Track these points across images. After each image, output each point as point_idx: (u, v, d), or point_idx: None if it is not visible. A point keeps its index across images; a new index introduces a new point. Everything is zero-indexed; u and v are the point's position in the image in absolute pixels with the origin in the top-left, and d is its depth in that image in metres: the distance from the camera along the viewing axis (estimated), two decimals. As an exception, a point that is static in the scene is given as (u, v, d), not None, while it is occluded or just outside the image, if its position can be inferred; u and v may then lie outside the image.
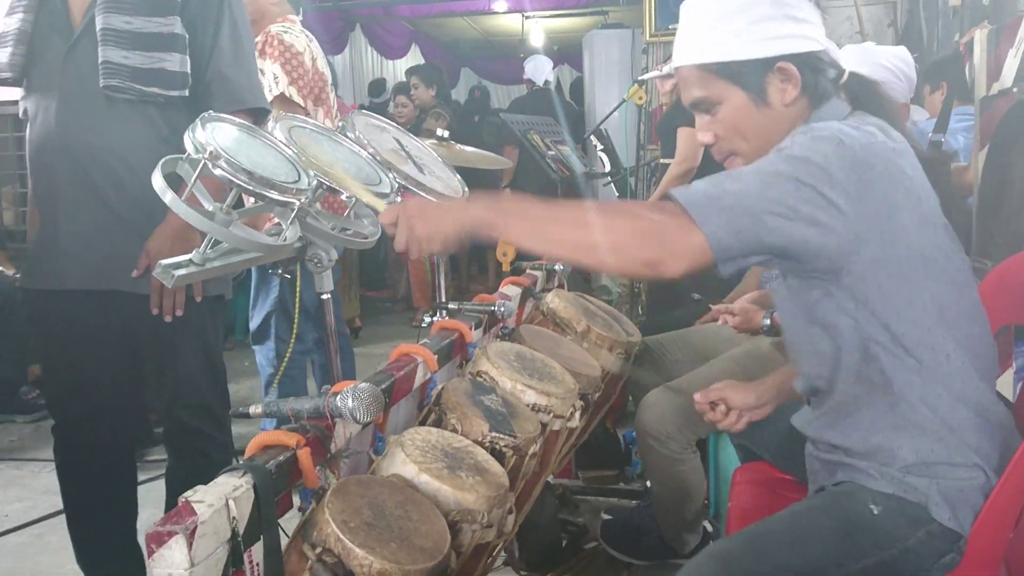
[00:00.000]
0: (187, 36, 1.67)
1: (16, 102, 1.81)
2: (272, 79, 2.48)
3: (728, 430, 1.50)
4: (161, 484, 2.87)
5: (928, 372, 1.15)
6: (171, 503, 1.86)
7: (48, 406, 2.11)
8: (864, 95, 1.23)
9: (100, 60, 1.61)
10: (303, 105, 2.52)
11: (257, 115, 1.79)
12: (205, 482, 0.93)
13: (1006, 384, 1.88)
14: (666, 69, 2.86)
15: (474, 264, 6.81)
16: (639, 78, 3.40)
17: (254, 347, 2.78)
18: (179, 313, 1.69)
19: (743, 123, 1.20)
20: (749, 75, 1.17)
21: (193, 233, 1.63)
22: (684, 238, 1.03)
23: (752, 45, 1.16)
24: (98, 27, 1.61)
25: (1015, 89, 2.08)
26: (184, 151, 1.24)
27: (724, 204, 1.04)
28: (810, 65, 1.18)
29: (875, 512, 1.15)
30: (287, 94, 2.50)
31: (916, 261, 1.14)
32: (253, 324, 2.73)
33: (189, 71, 1.69)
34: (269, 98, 2.41)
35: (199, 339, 1.82)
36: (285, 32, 2.55)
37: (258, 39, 2.54)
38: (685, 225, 1.03)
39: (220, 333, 1.95)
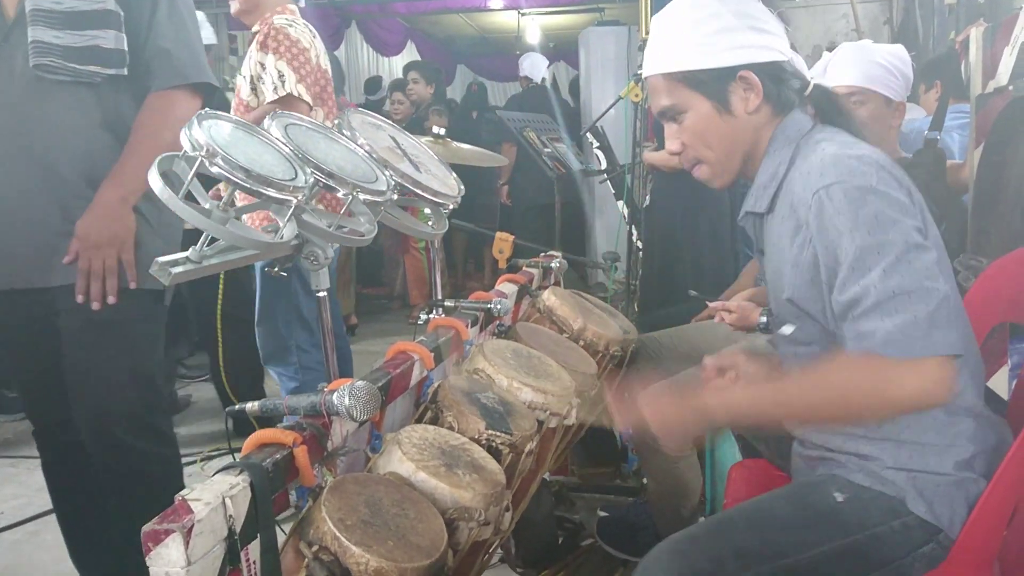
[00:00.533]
0: (122, 13, 1.62)
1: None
2: (277, 76, 2.37)
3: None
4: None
5: None
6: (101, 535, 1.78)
7: (23, 408, 2.06)
8: (828, 107, 1.26)
9: (30, 40, 1.57)
10: (311, 104, 2.43)
11: (203, 91, 1.73)
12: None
13: (1001, 382, 1.88)
14: None
15: (470, 261, 6.80)
16: (637, 73, 3.39)
17: (273, 369, 2.62)
18: (111, 300, 1.60)
19: (708, 131, 1.24)
20: (712, 84, 1.21)
21: (126, 215, 1.62)
22: (923, 373, 1.03)
23: (715, 55, 1.20)
24: (27, 8, 1.57)
25: (1011, 87, 2.08)
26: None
27: (929, 309, 1.03)
28: (772, 75, 1.22)
29: (839, 500, 1.17)
30: (295, 93, 2.38)
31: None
32: (267, 345, 2.57)
33: (126, 48, 1.64)
34: (273, 97, 2.35)
35: (127, 339, 1.70)
36: (290, 26, 2.42)
37: (256, 29, 2.45)
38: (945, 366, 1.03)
39: (157, 335, 1.82)
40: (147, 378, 1.75)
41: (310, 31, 2.50)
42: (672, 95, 1.24)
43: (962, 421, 1.17)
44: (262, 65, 2.38)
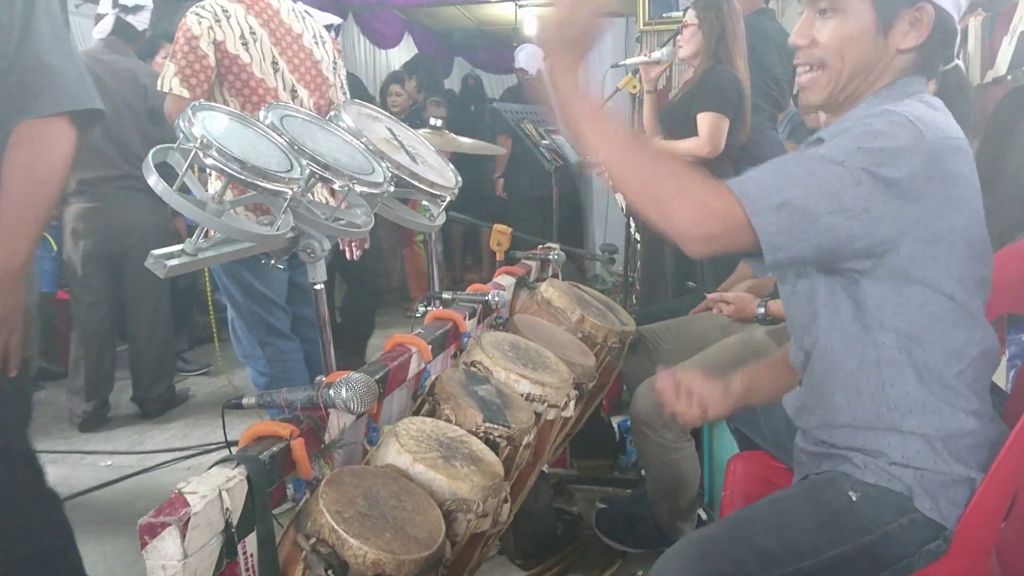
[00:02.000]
0: None
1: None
2: (163, 70, 2.25)
3: (684, 422, 1.43)
4: (158, 474, 2.89)
5: (931, 380, 1.16)
6: None
7: None
8: (954, 90, 1.24)
9: None
10: (187, 96, 2.22)
11: (84, 121, 1.43)
12: None
13: (998, 372, 1.88)
14: (655, 55, 2.84)
15: (468, 254, 6.80)
16: (621, 62, 3.37)
17: (246, 364, 2.63)
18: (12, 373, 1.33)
19: (853, 43, 1.15)
20: (886, 11, 1.13)
21: (12, 290, 1.35)
22: (728, 225, 1.03)
23: None
24: None
25: (1009, 77, 2.08)
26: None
27: (778, 201, 1.02)
28: (944, 25, 1.14)
29: (853, 499, 1.16)
30: (166, 88, 2.23)
31: (952, 260, 1.12)
32: (235, 341, 2.59)
33: None
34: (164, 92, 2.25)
35: None
36: (196, 13, 2.26)
37: None
38: (734, 212, 1.02)
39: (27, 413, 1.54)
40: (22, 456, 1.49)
41: (215, 14, 2.26)
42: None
43: (963, 416, 1.17)
44: None
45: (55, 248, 3.34)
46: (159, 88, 2.27)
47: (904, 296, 1.13)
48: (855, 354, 1.19)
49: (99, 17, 3.37)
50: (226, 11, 2.31)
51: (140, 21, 3.38)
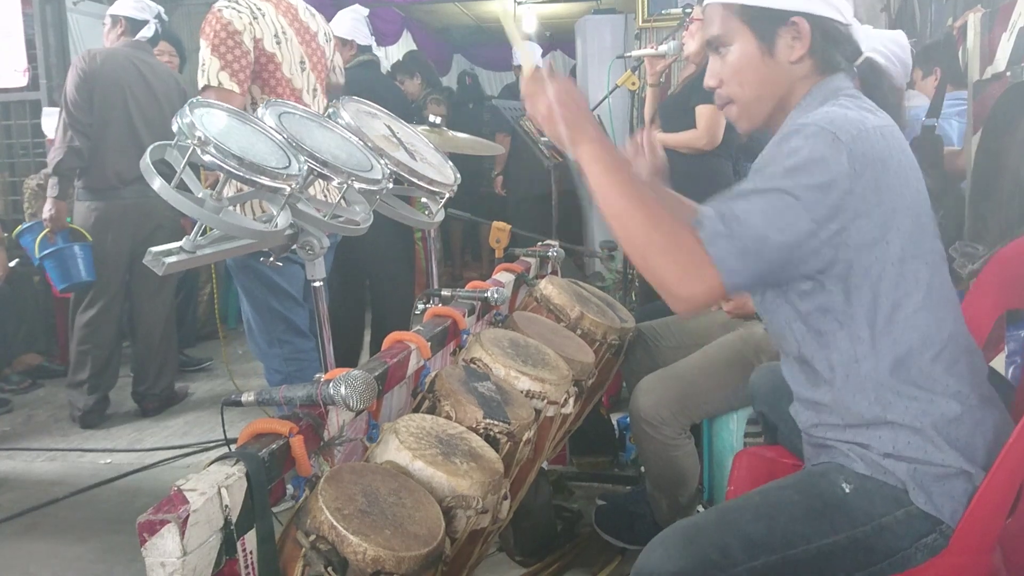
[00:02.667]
0: None
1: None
2: (200, 65, 2.20)
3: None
4: (157, 472, 2.89)
5: (907, 368, 1.16)
6: None
7: None
8: (874, 82, 1.24)
9: None
10: (238, 91, 2.20)
11: None
12: None
13: (997, 368, 1.88)
14: (661, 48, 2.84)
15: (467, 251, 6.80)
16: (628, 54, 3.37)
17: (262, 361, 2.56)
18: None
19: (746, 69, 1.23)
20: (764, 22, 1.20)
21: None
22: (712, 293, 1.09)
23: None
24: None
25: (1008, 73, 2.07)
26: None
27: (743, 247, 1.07)
28: (825, 31, 1.20)
29: (846, 491, 1.16)
30: (215, 83, 2.18)
31: (905, 243, 1.14)
32: (251, 337, 2.51)
33: None
34: (201, 85, 2.20)
35: None
36: (228, 7, 2.23)
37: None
38: (715, 282, 1.08)
39: None
40: None
41: (252, 11, 2.25)
42: (724, 25, 1.23)
43: (945, 401, 1.16)
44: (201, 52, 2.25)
45: (89, 239, 3.31)
46: (205, 83, 2.20)
47: (863, 287, 1.14)
48: (831, 354, 1.19)
49: (114, 20, 3.38)
50: (260, 9, 2.28)
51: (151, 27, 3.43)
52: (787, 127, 1.20)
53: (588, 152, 1.16)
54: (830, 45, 1.21)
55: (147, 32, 3.40)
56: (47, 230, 3.27)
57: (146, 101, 3.32)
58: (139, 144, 3.26)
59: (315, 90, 2.44)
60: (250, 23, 2.23)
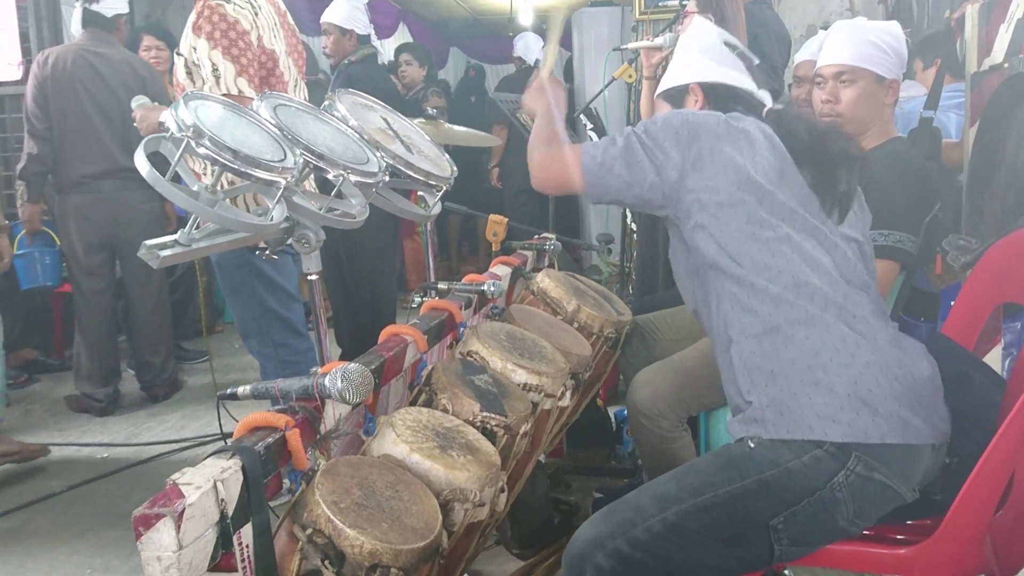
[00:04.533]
0: None
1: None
2: (211, 70, 2.05)
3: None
4: (154, 466, 2.89)
5: (781, 317, 1.27)
6: None
7: None
8: (778, 129, 1.43)
9: None
10: (255, 98, 2.03)
11: None
12: None
13: (993, 361, 1.89)
14: (657, 40, 2.84)
15: (464, 244, 6.78)
16: (624, 46, 3.36)
17: (259, 360, 2.48)
18: None
19: None
20: (675, 96, 1.60)
21: None
22: (569, 175, 1.42)
23: (678, 76, 1.59)
24: None
25: (1006, 65, 2.07)
26: None
27: (604, 166, 1.38)
28: (718, 94, 1.52)
29: (751, 446, 1.24)
30: (235, 90, 2.06)
31: (737, 209, 1.31)
32: (247, 337, 2.42)
33: None
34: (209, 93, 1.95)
35: None
36: (228, 1, 2.10)
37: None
38: (575, 169, 1.41)
39: None
40: None
41: (253, 7, 2.16)
42: (658, 110, 1.64)
43: (816, 334, 1.24)
44: (195, 50, 2.09)
45: (57, 243, 3.37)
46: (221, 92, 2.04)
47: (715, 235, 1.32)
48: (706, 293, 1.37)
49: (83, 12, 3.36)
50: (258, 3, 2.17)
51: (107, 8, 3.34)
52: None
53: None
54: (726, 102, 1.50)
55: (76, 20, 3.35)
56: (24, 231, 3.41)
57: (100, 94, 3.29)
58: (99, 140, 3.26)
59: (296, 81, 2.37)
60: (254, 20, 2.13)
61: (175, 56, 2.22)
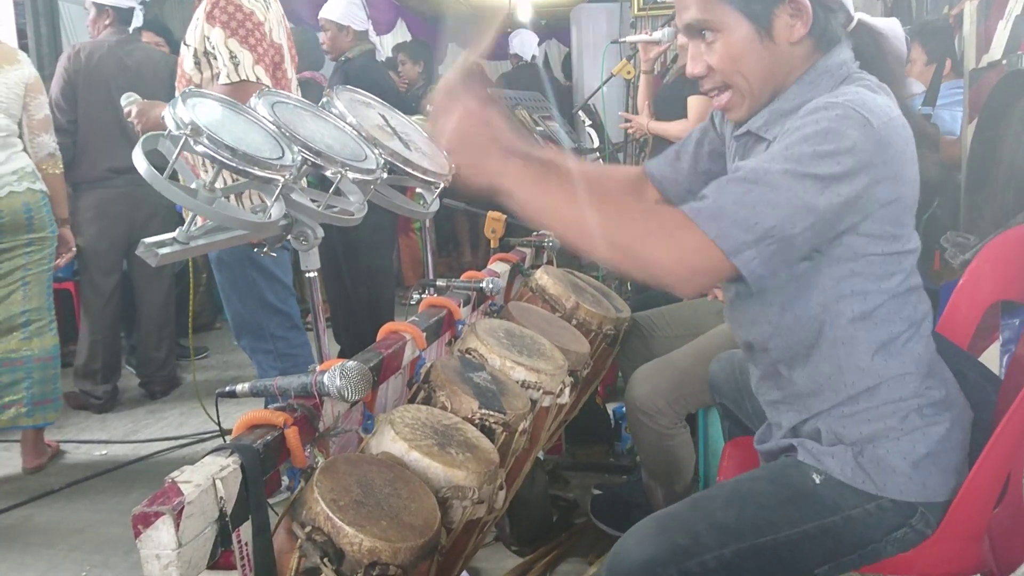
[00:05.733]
0: None
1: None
2: (229, 58, 2.06)
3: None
4: (153, 463, 2.89)
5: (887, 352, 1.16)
6: None
7: None
8: (870, 49, 1.16)
9: None
10: (270, 86, 2.10)
11: None
12: None
13: (992, 358, 1.89)
14: (656, 35, 2.84)
15: (464, 242, 6.76)
16: (622, 39, 3.36)
17: (253, 356, 2.48)
18: None
19: (744, 57, 1.13)
20: (758, 3, 1.10)
21: None
22: (709, 263, 1.00)
23: None
24: None
25: (1005, 61, 2.07)
26: None
27: (756, 236, 0.99)
28: (823, 3, 1.13)
29: (817, 481, 1.16)
30: (253, 77, 2.08)
31: (895, 225, 1.12)
32: (242, 334, 2.42)
33: None
34: (226, 81, 2.06)
35: None
36: None
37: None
38: (711, 253, 0.99)
39: None
40: None
41: (264, 1, 2.20)
42: (707, 9, 1.11)
43: (913, 405, 1.16)
44: (209, 39, 2.10)
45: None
46: (240, 78, 2.07)
47: (854, 271, 1.12)
48: (811, 337, 1.17)
49: (100, 9, 3.34)
50: None
51: (128, 3, 3.39)
52: (802, 105, 1.10)
53: (507, 183, 1.02)
54: (830, 17, 1.13)
55: (137, 22, 3.41)
56: None
57: (130, 91, 3.29)
58: (127, 136, 3.25)
59: (292, 77, 2.38)
60: (265, 14, 2.15)
61: (183, 46, 2.22)
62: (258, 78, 2.09)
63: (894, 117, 1.06)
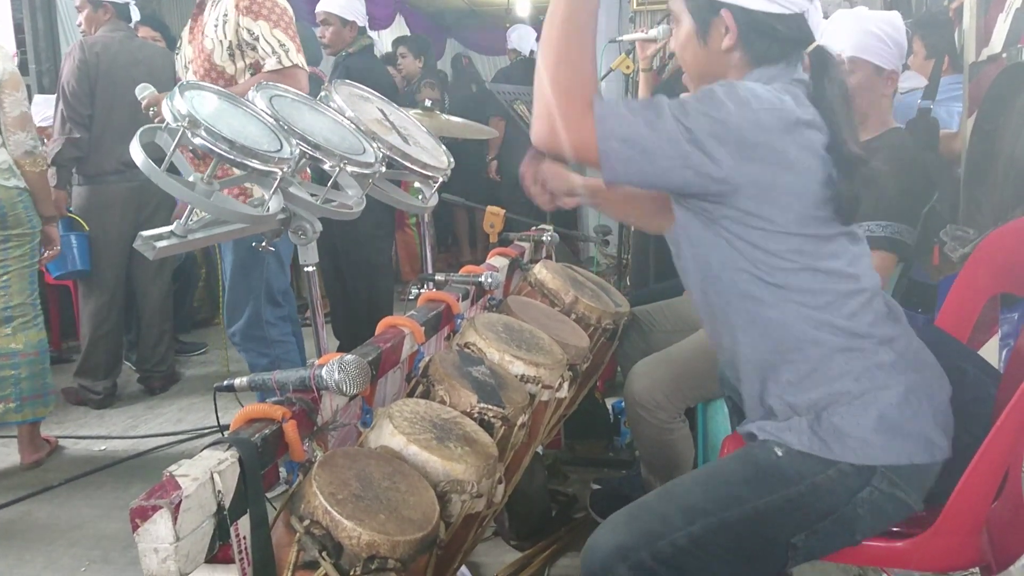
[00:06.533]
0: None
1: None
2: (278, 46, 2.27)
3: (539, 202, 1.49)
4: (152, 459, 2.89)
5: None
6: None
7: None
8: (818, 70, 1.22)
9: None
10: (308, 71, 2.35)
11: None
12: None
13: (991, 351, 1.89)
14: (652, 33, 2.83)
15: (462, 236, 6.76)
16: (619, 38, 3.35)
17: (243, 344, 2.55)
18: None
19: (686, 49, 1.29)
20: (701, 10, 1.25)
21: None
22: (579, 137, 1.10)
23: None
24: None
25: (1005, 55, 2.06)
26: None
27: (625, 135, 1.09)
28: (755, 24, 1.22)
29: (779, 454, 1.21)
30: (300, 64, 2.31)
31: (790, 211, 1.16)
32: (238, 319, 2.50)
33: None
34: (276, 67, 2.26)
35: None
36: None
37: None
38: (587, 128, 1.09)
39: None
40: None
41: None
42: (673, 1, 1.29)
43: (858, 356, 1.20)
44: (250, 32, 2.29)
45: (85, 228, 3.34)
46: (291, 63, 2.29)
47: (753, 243, 1.18)
48: (725, 303, 1.25)
49: (96, 5, 3.34)
50: None
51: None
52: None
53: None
54: (765, 39, 1.22)
55: (135, 15, 3.41)
56: None
57: (144, 83, 3.30)
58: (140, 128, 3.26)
59: None
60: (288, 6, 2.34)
61: (215, 40, 2.34)
62: (302, 64, 2.30)
63: (781, 107, 1.13)
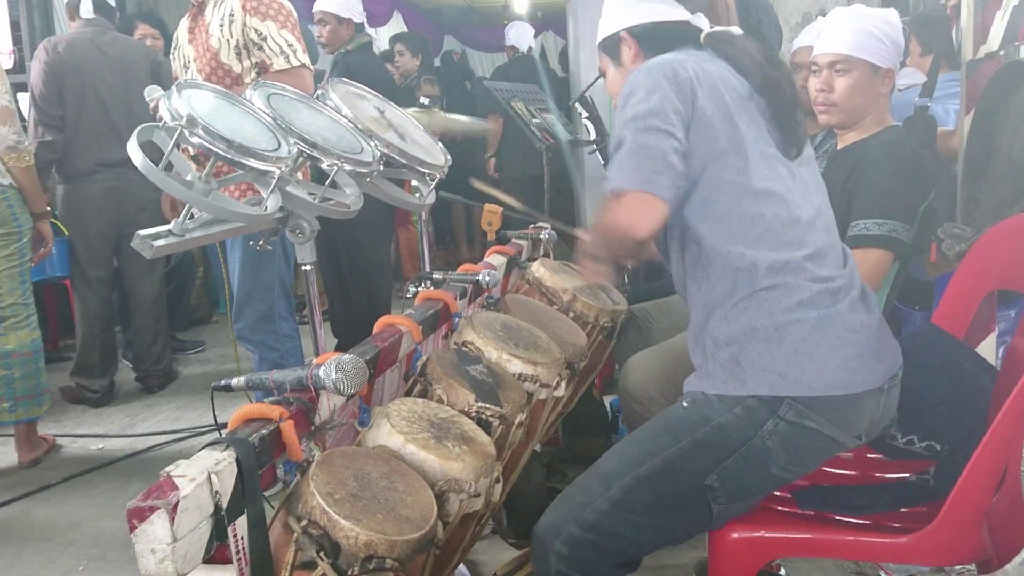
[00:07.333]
0: None
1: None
2: (286, 46, 2.32)
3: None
4: (149, 457, 2.89)
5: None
6: None
7: None
8: (727, 49, 1.37)
9: None
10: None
11: None
12: None
13: (988, 348, 1.89)
14: None
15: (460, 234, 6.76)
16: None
17: (251, 338, 2.53)
18: None
19: (614, 84, 1.50)
20: (610, 48, 1.50)
21: None
22: (644, 206, 1.19)
23: (605, 26, 1.49)
24: None
25: (1002, 52, 2.06)
26: None
27: (645, 166, 1.19)
28: (649, 33, 1.44)
29: (684, 406, 1.28)
30: (308, 64, 2.36)
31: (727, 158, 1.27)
32: (249, 313, 2.49)
33: None
34: (285, 66, 2.30)
35: None
36: None
37: None
38: (641, 200, 1.19)
39: None
40: None
41: None
42: (600, 62, 1.53)
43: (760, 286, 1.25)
44: (258, 32, 2.32)
45: (64, 232, 3.33)
46: (300, 62, 2.33)
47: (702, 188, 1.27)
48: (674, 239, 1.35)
49: (67, 7, 3.33)
50: None
51: None
52: None
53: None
54: (654, 41, 1.42)
55: (87, 5, 3.31)
56: None
57: (115, 82, 3.27)
58: (114, 128, 3.24)
59: None
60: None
61: (221, 39, 2.36)
62: (307, 64, 2.35)
63: (668, 60, 1.28)
